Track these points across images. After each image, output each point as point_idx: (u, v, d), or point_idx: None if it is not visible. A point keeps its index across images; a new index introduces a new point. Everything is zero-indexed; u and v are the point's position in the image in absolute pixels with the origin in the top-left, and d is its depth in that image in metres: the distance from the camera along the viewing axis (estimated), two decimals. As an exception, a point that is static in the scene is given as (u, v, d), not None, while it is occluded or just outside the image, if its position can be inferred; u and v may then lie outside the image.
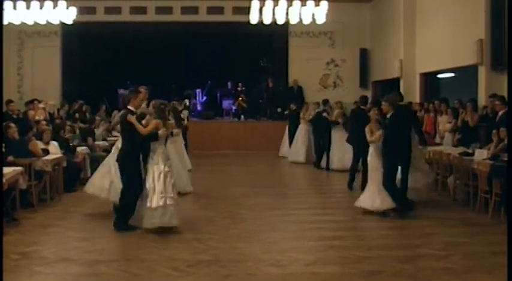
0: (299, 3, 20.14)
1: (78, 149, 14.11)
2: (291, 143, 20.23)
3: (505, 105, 12.76)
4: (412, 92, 20.43)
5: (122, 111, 10.14)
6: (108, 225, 9.95)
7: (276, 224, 10.27)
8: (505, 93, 13.76)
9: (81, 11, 22.17)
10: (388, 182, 10.74)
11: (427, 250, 8.46)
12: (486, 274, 7.40)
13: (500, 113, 12.77)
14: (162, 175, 9.57)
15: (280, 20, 20.69)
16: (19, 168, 10.46)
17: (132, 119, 9.75)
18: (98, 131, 16.92)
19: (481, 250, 8.54)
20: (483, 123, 13.66)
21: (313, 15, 20.39)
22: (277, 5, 20.00)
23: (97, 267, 7.64)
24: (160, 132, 9.75)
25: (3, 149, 10.93)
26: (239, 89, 25.42)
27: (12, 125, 12.01)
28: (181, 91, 24.90)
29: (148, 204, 9.49)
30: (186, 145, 16.54)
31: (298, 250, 8.63)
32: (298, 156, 19.49)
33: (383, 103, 11.18)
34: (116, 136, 18.16)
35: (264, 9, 19.95)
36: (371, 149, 11.11)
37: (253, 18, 20.63)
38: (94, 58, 24.30)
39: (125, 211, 9.81)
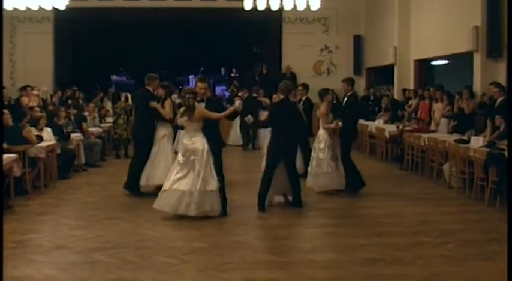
0: (293, -11, 20.06)
1: (72, 135, 14.04)
2: None
3: (503, 93, 12.74)
4: (407, 79, 20.44)
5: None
6: (102, 213, 9.97)
7: (270, 211, 10.22)
8: (501, 80, 13.76)
9: (74, -4, 22.01)
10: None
11: (423, 238, 8.43)
12: (483, 261, 7.38)
13: (498, 100, 12.74)
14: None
15: (274, 6, 20.60)
16: (13, 155, 10.38)
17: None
18: (90, 118, 16.87)
19: (478, 237, 8.51)
20: (481, 111, 13.66)
21: (307, 1, 20.31)
22: (271, -10, 19.91)
23: (92, 255, 7.58)
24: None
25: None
26: (232, 75, 25.38)
27: (6, 111, 11.91)
28: (174, 77, 24.82)
29: None
30: None
31: (294, 237, 8.64)
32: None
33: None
34: (109, 122, 18.12)
35: (258, -5, 19.87)
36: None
37: (247, 5, 20.54)
38: (86, 44, 24.17)
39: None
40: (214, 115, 9.75)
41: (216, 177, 9.66)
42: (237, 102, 9.98)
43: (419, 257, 7.50)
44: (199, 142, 9.64)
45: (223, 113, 9.88)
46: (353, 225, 9.27)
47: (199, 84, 10.26)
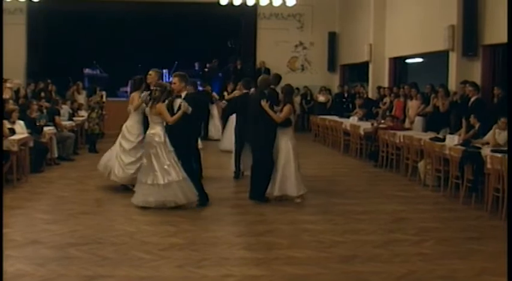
0: (269, -16, 20.03)
1: (45, 129, 13.85)
2: None
3: (478, 92, 12.85)
4: (381, 77, 20.49)
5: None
6: (77, 207, 9.87)
7: (246, 207, 10.19)
8: (476, 80, 13.87)
9: (47, -12, 21.73)
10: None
11: (400, 235, 8.46)
12: (461, 260, 7.38)
13: (472, 98, 12.83)
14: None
15: (250, 1, 20.56)
16: (-15, 148, 10.22)
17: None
18: (65, 111, 16.68)
19: (454, 235, 8.54)
20: (453, 109, 13.73)
21: (283, -4, 20.33)
22: (247, -15, 19.87)
23: (67, 250, 7.49)
24: None
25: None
26: (206, 70, 25.28)
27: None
28: (148, 71, 24.60)
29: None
30: None
31: (271, 233, 8.56)
32: None
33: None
34: (82, 116, 17.94)
35: (234, -10, 19.82)
36: None
37: (223, -1, 20.51)
38: (60, 37, 23.86)
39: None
40: (168, 118, 9.78)
41: (177, 169, 9.72)
42: (184, 105, 9.85)
43: (396, 255, 7.51)
44: (157, 135, 9.79)
45: (174, 117, 9.77)
46: (329, 222, 9.24)
47: (172, 79, 10.36)
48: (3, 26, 21.65)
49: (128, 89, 24.36)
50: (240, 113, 12.77)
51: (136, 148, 11.01)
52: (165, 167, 9.64)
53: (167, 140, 9.79)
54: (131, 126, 11.26)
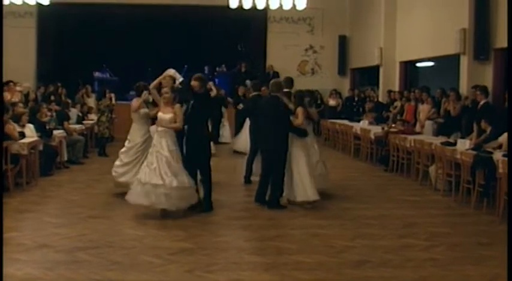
0: (279, -12, 20.00)
1: (55, 132, 13.84)
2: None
3: (486, 96, 12.79)
4: (392, 80, 20.41)
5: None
6: (86, 211, 9.84)
7: (256, 211, 10.15)
8: (487, 83, 13.78)
9: (58, -9, 21.77)
10: None
11: (411, 240, 8.38)
12: (473, 266, 7.31)
13: (481, 102, 12.77)
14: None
15: (260, 5, 20.53)
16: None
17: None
18: (73, 114, 16.67)
19: (466, 241, 8.47)
20: (464, 114, 13.65)
21: (293, 0, 20.26)
22: (257, -11, 19.86)
23: (76, 254, 7.46)
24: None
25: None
26: (216, 73, 25.27)
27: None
28: (158, 75, 24.59)
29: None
30: None
31: (281, 238, 8.51)
32: None
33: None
34: (92, 119, 17.93)
35: (243, -7, 19.80)
36: None
37: (233, 3, 20.46)
38: (70, 40, 23.89)
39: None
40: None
41: (157, 172, 9.44)
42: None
43: (408, 260, 7.44)
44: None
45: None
46: (339, 227, 9.18)
47: (193, 82, 10.47)
48: (8, 29, 21.97)
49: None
50: (252, 116, 12.75)
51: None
52: (146, 166, 9.56)
53: (163, 144, 9.60)
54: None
